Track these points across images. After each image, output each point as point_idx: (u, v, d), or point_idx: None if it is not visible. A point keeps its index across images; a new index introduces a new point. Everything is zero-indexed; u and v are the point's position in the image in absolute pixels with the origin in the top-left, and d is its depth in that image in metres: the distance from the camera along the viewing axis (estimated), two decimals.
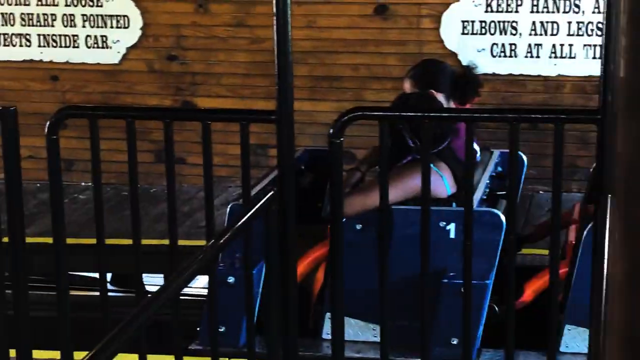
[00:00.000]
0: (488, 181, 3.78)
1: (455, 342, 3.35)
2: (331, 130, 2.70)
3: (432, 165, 3.03)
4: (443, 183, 3.43)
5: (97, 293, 3.71)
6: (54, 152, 2.64)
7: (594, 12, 4.96)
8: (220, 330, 2.97)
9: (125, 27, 5.56)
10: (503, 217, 3.30)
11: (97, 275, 3.72)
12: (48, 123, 2.62)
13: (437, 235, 3.21)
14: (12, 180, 2.64)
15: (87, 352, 1.52)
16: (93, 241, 2.91)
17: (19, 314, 2.57)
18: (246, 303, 2.47)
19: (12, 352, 2.71)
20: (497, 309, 3.51)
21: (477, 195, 3.53)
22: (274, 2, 2.32)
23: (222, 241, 2.13)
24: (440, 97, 3.65)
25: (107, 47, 5.59)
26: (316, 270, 3.57)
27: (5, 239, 2.66)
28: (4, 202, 2.62)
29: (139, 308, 1.73)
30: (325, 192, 3.69)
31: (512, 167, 2.60)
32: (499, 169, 3.95)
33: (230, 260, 3.10)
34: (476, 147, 3.52)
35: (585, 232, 3.04)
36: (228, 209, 3.53)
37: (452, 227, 3.35)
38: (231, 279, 3.10)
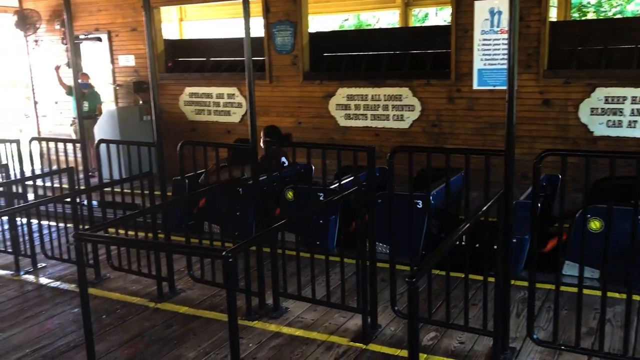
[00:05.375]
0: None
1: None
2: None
3: None
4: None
5: None
6: (391, 167, 3.79)
7: None
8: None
9: (412, 110, 8.07)
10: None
11: None
12: (389, 154, 3.71)
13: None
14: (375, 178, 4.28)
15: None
16: None
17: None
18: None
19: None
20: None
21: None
22: (507, 99, 3.01)
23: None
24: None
25: (403, 120, 8.13)
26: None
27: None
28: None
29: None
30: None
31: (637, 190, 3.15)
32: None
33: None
34: (285, 160, 6.37)
35: None
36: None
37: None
38: None
